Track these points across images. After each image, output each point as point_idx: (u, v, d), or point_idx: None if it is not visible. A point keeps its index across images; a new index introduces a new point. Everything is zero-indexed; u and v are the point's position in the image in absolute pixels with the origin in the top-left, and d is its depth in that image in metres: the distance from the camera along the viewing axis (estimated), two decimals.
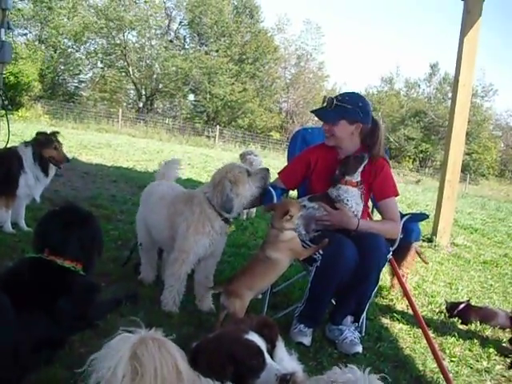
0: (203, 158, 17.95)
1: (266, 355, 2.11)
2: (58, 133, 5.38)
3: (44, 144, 5.09)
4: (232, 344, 2.09)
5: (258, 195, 3.63)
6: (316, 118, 3.96)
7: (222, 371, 2.02)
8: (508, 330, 4.36)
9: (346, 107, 3.59)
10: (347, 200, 3.53)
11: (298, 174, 3.92)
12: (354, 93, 3.81)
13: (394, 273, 4.02)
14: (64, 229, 2.82)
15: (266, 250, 3.37)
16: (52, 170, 5.18)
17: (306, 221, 3.59)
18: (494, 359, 3.80)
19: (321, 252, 3.35)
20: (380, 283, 5.04)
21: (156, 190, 4.14)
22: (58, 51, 36.04)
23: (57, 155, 5.15)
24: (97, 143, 16.63)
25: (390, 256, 3.58)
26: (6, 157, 5.00)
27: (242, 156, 7.71)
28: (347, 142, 3.70)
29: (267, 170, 3.76)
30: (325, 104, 3.71)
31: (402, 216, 3.76)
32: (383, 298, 4.91)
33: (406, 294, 3.79)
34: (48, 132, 5.31)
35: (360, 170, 3.56)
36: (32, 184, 5.06)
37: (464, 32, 7.46)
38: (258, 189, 3.60)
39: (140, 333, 1.79)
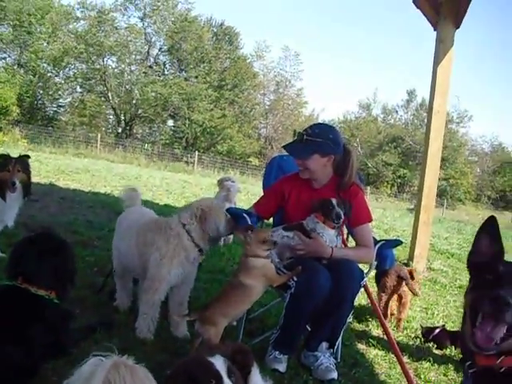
0: (181, 184, 17.92)
1: (225, 379, 2.10)
2: (27, 156, 5.21)
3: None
4: (193, 366, 2.09)
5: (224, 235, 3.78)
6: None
7: None
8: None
9: (317, 141, 3.62)
10: (322, 235, 3.57)
11: (272, 205, 3.96)
12: (323, 124, 3.90)
13: (368, 298, 4.04)
14: (38, 257, 2.81)
15: (239, 276, 3.39)
16: (9, 194, 4.90)
17: (280, 249, 3.62)
18: None
19: (295, 279, 3.37)
20: (356, 309, 5.09)
21: (126, 217, 4.17)
22: (37, 75, 35.95)
23: (9, 178, 4.84)
24: (75, 168, 16.54)
25: (364, 282, 3.61)
26: None
27: (220, 182, 7.71)
28: (320, 174, 3.76)
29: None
30: (295, 138, 3.76)
31: (376, 242, 3.80)
32: (359, 323, 4.93)
33: (379, 318, 3.82)
34: (7, 154, 5.09)
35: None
36: None
37: (437, 61, 7.62)
38: (225, 232, 3.76)
39: (112, 358, 1.79)
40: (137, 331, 3.64)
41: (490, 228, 1.95)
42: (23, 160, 5.07)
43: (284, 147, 3.95)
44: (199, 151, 35.82)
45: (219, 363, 2.12)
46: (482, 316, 1.72)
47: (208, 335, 3.18)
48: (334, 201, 3.57)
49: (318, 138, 3.61)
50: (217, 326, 3.21)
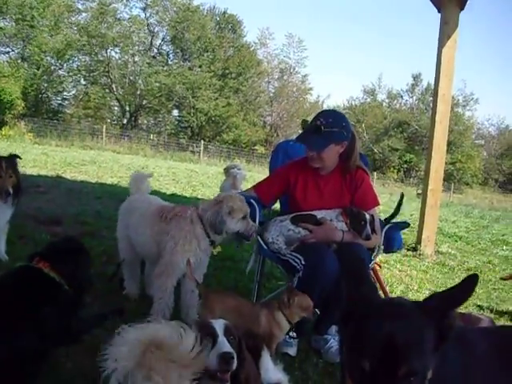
0: (188, 173, 17.95)
1: (220, 337, 2.16)
2: (16, 156, 4.69)
3: None
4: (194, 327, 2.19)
5: (234, 236, 3.65)
6: (301, 131, 3.95)
7: None
8: None
9: (333, 131, 3.56)
10: (336, 226, 3.61)
11: (275, 190, 3.95)
12: (335, 112, 3.79)
13: (377, 281, 4.06)
14: (59, 244, 2.93)
15: (264, 313, 3.30)
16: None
17: (288, 239, 3.63)
18: None
19: (303, 263, 3.39)
20: None
21: (135, 206, 4.13)
22: (40, 69, 35.91)
23: (1, 187, 4.44)
24: (81, 160, 16.59)
25: (372, 265, 3.62)
26: None
27: (226, 170, 7.73)
28: (332, 162, 3.75)
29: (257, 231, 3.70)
30: (308, 128, 3.69)
31: (384, 225, 3.81)
32: None
33: None
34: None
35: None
36: None
37: (442, 43, 7.58)
38: (236, 231, 3.61)
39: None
40: (152, 318, 3.64)
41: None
42: (12, 161, 4.61)
43: (298, 140, 3.81)
44: (205, 140, 35.84)
45: (218, 324, 2.22)
46: None
47: (203, 317, 3.18)
48: (367, 217, 3.57)
49: (334, 128, 3.55)
50: (212, 314, 3.19)
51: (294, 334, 3.51)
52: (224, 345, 2.13)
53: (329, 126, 3.55)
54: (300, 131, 3.94)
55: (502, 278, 4.55)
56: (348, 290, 1.57)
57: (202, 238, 3.63)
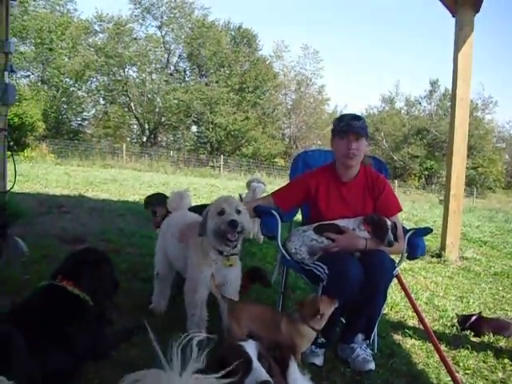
0: (209, 188, 18.00)
1: (255, 362, 2.11)
2: None
3: None
4: (224, 350, 2.15)
5: (212, 234, 3.50)
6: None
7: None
8: None
9: (366, 125, 3.69)
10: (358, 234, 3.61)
11: (294, 198, 3.93)
12: None
13: (402, 288, 4.02)
14: (78, 259, 2.96)
15: (290, 323, 3.31)
16: None
17: (311, 249, 3.63)
18: (510, 370, 3.78)
19: (326, 271, 3.38)
20: (390, 300, 5.07)
21: (170, 222, 4.22)
22: (60, 91, 36.62)
23: None
24: (103, 179, 16.75)
25: (396, 272, 3.60)
26: None
27: (248, 184, 7.89)
28: (360, 160, 3.75)
29: (235, 226, 3.45)
30: (347, 118, 3.67)
31: (406, 231, 3.78)
32: (395, 314, 4.91)
33: (414, 308, 3.81)
34: None
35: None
36: None
37: (458, 47, 7.55)
38: (213, 229, 3.50)
39: None
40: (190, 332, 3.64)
41: None
42: None
43: (349, 124, 3.63)
44: (224, 155, 36.04)
45: (250, 347, 2.16)
46: None
47: (230, 327, 3.21)
48: (389, 224, 3.56)
49: (365, 123, 3.69)
50: (239, 324, 3.22)
51: (323, 339, 3.48)
52: (261, 372, 2.07)
53: (361, 120, 3.67)
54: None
55: None
56: None
57: (210, 249, 3.59)
